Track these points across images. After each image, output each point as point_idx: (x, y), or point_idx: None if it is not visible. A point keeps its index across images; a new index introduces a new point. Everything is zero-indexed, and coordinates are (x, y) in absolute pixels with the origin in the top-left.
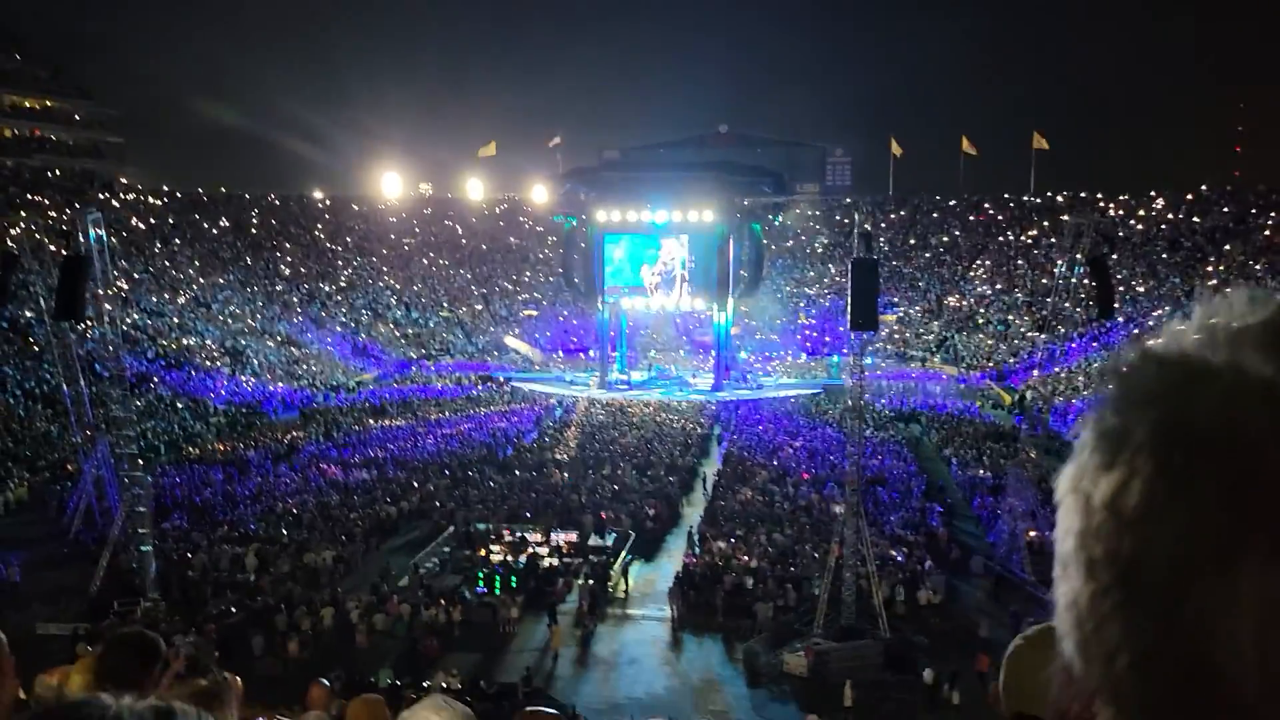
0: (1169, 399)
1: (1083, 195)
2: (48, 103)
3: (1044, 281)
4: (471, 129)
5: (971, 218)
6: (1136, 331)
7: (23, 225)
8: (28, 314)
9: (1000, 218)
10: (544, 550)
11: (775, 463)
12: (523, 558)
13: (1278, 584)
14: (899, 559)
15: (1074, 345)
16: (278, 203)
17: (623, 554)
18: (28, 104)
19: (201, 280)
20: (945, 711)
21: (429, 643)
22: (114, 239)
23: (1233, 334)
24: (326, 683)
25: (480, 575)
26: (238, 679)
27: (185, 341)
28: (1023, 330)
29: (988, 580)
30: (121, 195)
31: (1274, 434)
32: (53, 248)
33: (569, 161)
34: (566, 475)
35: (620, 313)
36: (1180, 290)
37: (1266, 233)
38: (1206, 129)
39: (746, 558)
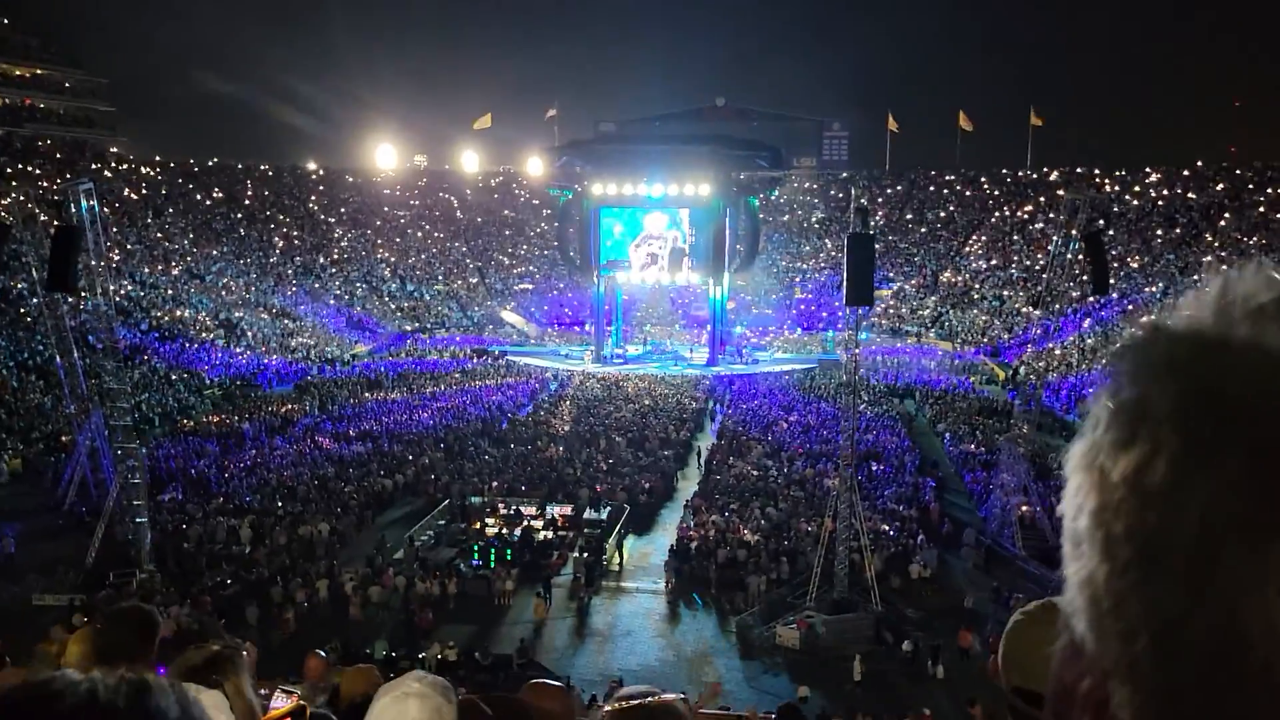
0: (1193, 372)
1: (1079, 171)
2: (38, 71)
3: (1039, 257)
4: (467, 100)
5: (968, 193)
6: (1131, 307)
7: (14, 195)
8: (20, 285)
9: (996, 193)
10: (539, 523)
11: (770, 437)
12: (518, 531)
13: None
14: (891, 533)
15: (1068, 321)
16: (271, 174)
17: (617, 527)
18: (18, 72)
19: (195, 251)
20: (930, 685)
21: (424, 615)
22: (106, 209)
23: (1252, 310)
24: (323, 654)
25: (475, 548)
26: (253, 647)
27: (179, 313)
28: (1017, 306)
29: (979, 554)
30: (114, 165)
31: None
32: (44, 218)
33: (565, 134)
34: (562, 449)
35: (615, 287)
36: (1175, 266)
37: (1261, 209)
38: (1202, 105)
39: (741, 531)
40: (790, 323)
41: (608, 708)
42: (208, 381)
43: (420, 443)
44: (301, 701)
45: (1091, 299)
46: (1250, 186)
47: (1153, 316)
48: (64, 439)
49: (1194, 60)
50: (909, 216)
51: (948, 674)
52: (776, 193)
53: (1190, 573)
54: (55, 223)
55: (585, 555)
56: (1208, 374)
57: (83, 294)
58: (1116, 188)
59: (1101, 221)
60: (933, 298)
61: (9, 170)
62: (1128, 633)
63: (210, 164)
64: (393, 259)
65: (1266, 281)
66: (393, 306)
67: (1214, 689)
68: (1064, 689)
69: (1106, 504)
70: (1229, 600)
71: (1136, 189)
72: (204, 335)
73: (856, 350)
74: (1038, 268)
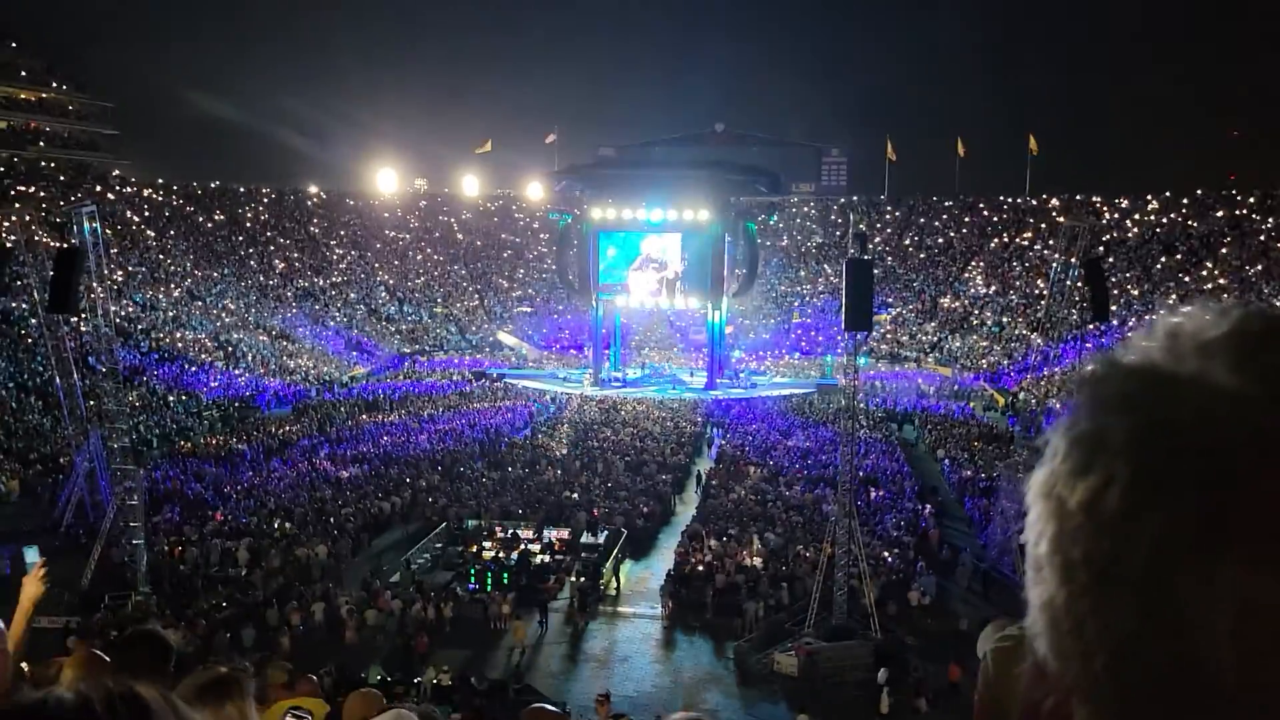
0: (1145, 406)
1: (1078, 198)
2: (42, 95)
3: (1039, 284)
4: (468, 125)
5: (966, 219)
6: (1131, 335)
7: (16, 218)
8: (21, 306)
9: (995, 219)
10: (536, 547)
11: (768, 462)
12: (514, 554)
13: (1254, 583)
14: (890, 560)
15: (1068, 347)
16: (273, 197)
17: (614, 552)
18: (22, 96)
19: (196, 274)
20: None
21: (419, 639)
22: (108, 232)
23: (1199, 345)
24: (315, 679)
25: (472, 572)
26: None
27: (178, 335)
28: (1017, 332)
29: (975, 578)
30: (116, 188)
31: (1244, 441)
32: (47, 240)
33: (564, 158)
34: (559, 472)
35: (614, 310)
36: (1175, 294)
37: (1261, 237)
38: (1202, 132)
39: (741, 556)
40: (789, 347)
41: None
42: (206, 403)
43: (418, 465)
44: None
45: (1091, 326)
46: (1251, 215)
47: (1109, 352)
48: (62, 460)
49: (1194, 88)
50: (908, 242)
51: (932, 707)
52: (775, 218)
53: (1144, 595)
54: (57, 245)
55: (582, 580)
56: (1159, 408)
57: (83, 315)
58: (1116, 215)
59: (1101, 249)
60: (932, 323)
61: (13, 192)
62: (1086, 653)
63: (212, 187)
64: (392, 282)
65: (1213, 319)
66: (391, 329)
67: (1169, 705)
68: (1030, 708)
69: (1064, 530)
70: (1181, 620)
71: (1136, 216)
72: (203, 357)
73: (855, 375)
74: (1037, 294)
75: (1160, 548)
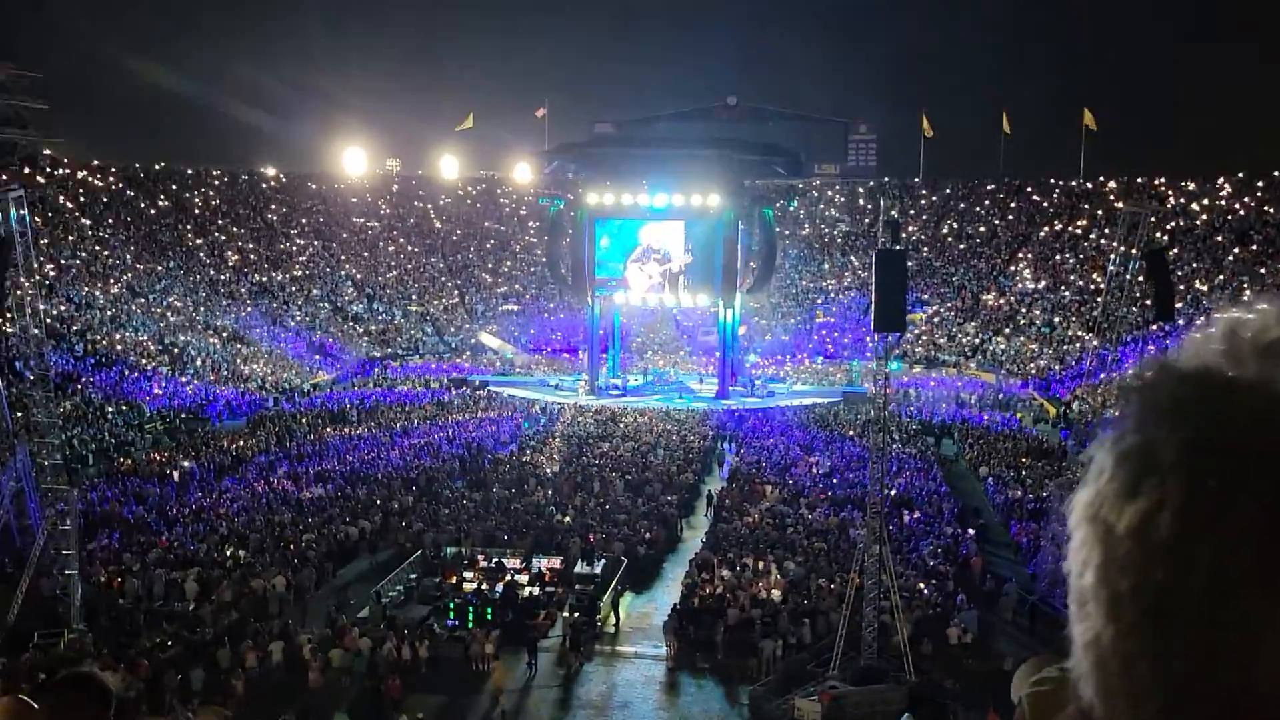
0: (1199, 417)
1: (1139, 180)
2: None
3: (1095, 278)
4: (447, 98)
5: (1013, 205)
6: (1186, 336)
7: None
8: None
9: (1045, 205)
10: (523, 578)
11: (788, 481)
12: (499, 586)
13: None
14: (926, 592)
15: (1127, 350)
16: (225, 180)
17: (613, 583)
18: None
19: (137, 267)
20: None
21: (391, 682)
22: (38, 220)
23: (1261, 347)
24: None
25: (451, 606)
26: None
27: (118, 337)
28: (1070, 333)
29: (1021, 611)
30: (47, 170)
31: None
32: None
33: (556, 136)
34: (550, 493)
35: (613, 308)
36: (1250, 288)
37: None
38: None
39: (754, 589)
40: (811, 350)
41: None
42: (149, 414)
43: (389, 485)
44: None
45: (1154, 325)
46: None
47: (1160, 355)
48: None
49: (1270, 56)
50: (946, 231)
51: None
52: (795, 203)
53: (1200, 631)
54: None
55: (576, 615)
56: (1213, 419)
57: (9, 315)
58: (1182, 200)
59: (1165, 238)
60: (973, 323)
61: None
62: (1137, 696)
63: (156, 168)
64: (360, 276)
65: (1278, 316)
66: (359, 330)
67: None
68: None
69: (1112, 559)
70: (1242, 660)
71: (1205, 201)
72: (146, 362)
73: (886, 382)
74: (1093, 290)
75: (1218, 577)
